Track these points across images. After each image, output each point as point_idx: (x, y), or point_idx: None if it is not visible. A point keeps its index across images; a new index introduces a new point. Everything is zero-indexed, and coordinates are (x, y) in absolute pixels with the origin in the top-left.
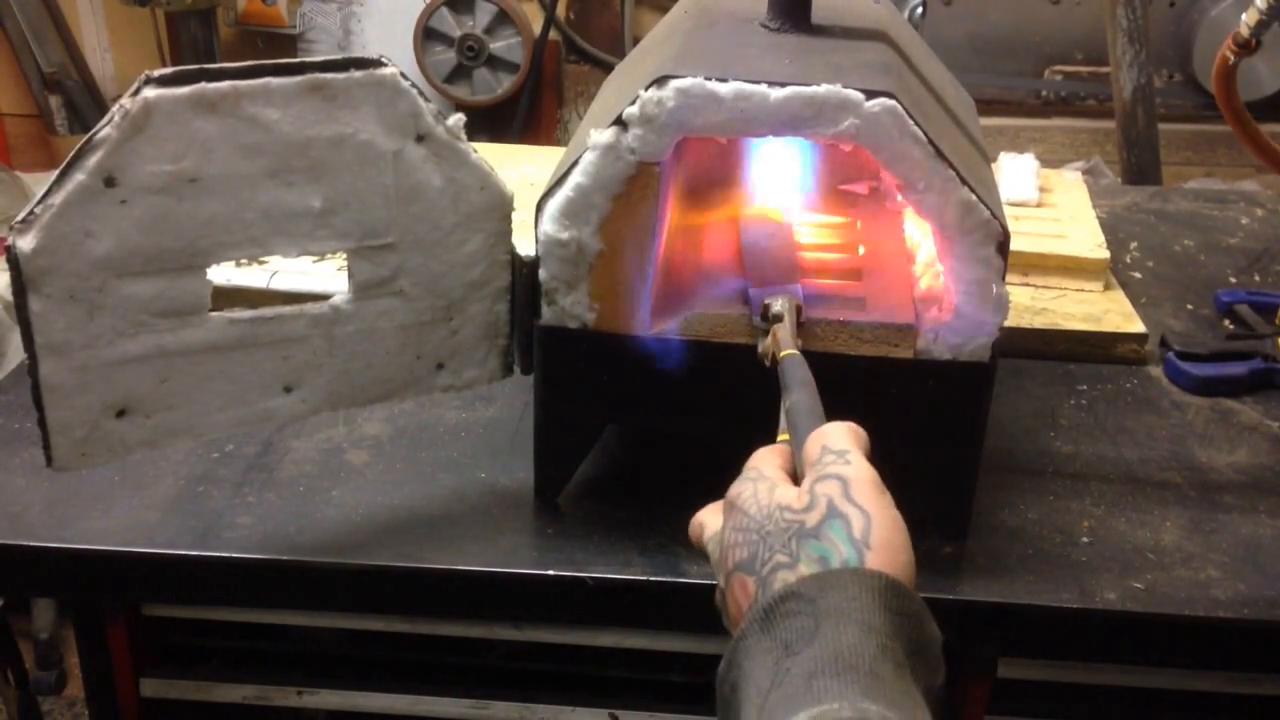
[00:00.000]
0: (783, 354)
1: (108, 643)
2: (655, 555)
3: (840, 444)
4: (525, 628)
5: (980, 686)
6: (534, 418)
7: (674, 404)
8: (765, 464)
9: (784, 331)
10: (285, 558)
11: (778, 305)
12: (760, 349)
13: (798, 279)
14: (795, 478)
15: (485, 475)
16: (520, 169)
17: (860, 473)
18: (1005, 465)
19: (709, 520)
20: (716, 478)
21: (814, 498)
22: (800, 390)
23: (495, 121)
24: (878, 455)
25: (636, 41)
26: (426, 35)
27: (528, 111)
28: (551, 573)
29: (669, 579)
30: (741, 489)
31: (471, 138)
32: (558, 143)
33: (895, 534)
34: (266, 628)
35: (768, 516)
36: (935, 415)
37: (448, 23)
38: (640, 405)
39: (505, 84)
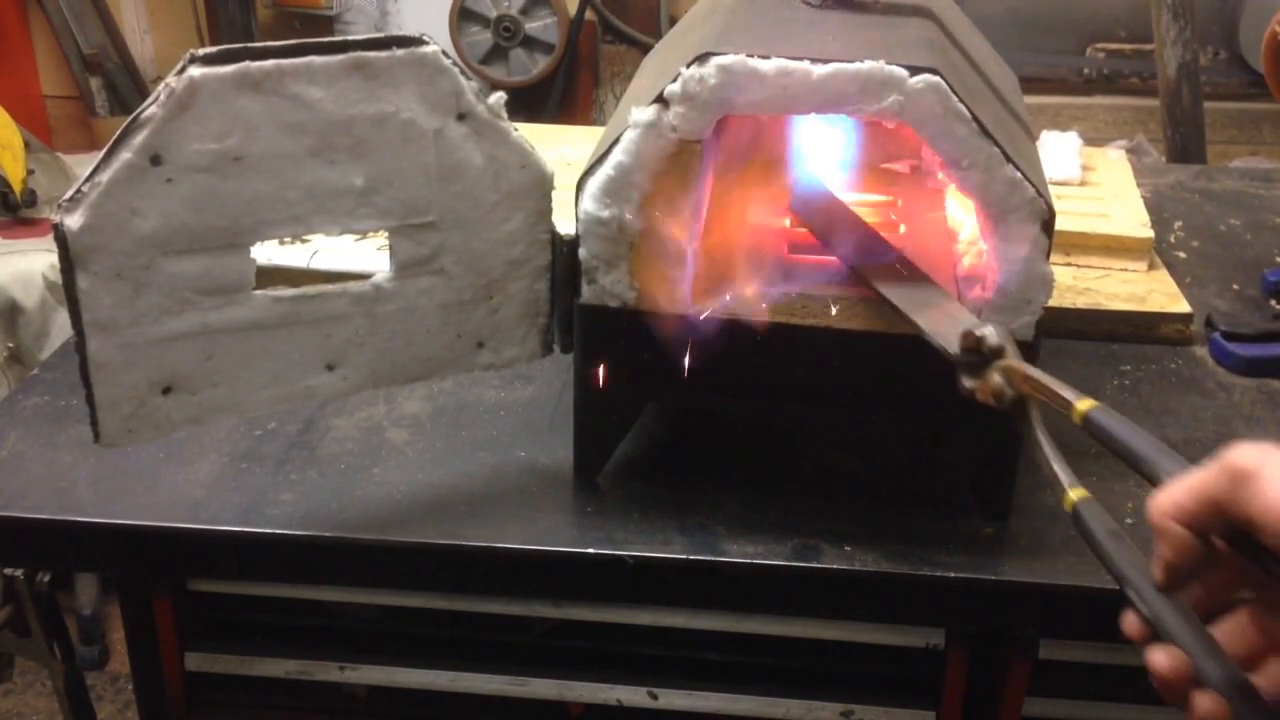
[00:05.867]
0: (1083, 406)
1: (153, 617)
2: (694, 534)
3: None
4: (564, 605)
5: (1021, 668)
6: (574, 396)
7: (714, 383)
8: None
9: (1027, 368)
10: (327, 534)
11: (993, 336)
12: (970, 386)
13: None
14: None
15: (525, 454)
16: (558, 149)
17: None
18: None
19: None
20: (756, 457)
21: None
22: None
23: (531, 102)
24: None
25: (673, 22)
26: (462, 16)
27: (563, 92)
28: (591, 551)
29: (708, 558)
30: None
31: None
32: (593, 123)
33: None
34: (309, 603)
35: None
36: None
37: (483, 3)
38: (680, 384)
39: (541, 65)
